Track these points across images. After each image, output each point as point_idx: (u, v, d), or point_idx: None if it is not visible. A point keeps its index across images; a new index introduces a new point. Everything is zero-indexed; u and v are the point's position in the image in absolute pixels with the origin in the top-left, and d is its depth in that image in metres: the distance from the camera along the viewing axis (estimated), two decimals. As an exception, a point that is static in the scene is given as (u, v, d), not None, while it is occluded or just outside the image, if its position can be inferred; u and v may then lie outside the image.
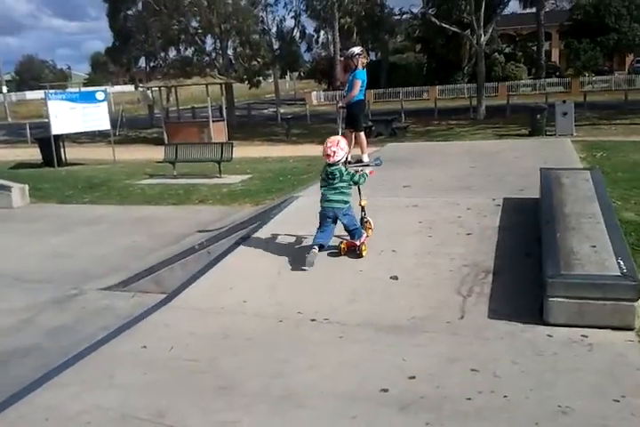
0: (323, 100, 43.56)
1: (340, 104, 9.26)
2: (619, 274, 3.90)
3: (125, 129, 32.51)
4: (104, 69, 71.97)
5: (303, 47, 40.44)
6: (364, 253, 5.30)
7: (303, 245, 5.71)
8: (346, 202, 5.30)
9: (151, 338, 4.24)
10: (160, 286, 6.54)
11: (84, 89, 29.53)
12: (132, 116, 38.98)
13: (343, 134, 9.14)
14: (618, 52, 46.89)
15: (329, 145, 5.23)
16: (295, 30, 36.92)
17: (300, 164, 15.30)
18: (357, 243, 5.31)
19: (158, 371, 3.76)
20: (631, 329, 3.81)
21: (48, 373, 3.86)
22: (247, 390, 3.47)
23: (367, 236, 5.49)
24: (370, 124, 21.69)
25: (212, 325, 4.38)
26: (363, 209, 5.62)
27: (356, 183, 5.37)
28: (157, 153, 16.73)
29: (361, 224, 5.50)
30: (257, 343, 4.05)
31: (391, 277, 4.90)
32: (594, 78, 39.71)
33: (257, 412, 3.25)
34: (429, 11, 32.97)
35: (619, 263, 4.02)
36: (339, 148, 5.21)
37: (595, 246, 4.30)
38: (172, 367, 3.79)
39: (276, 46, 36.06)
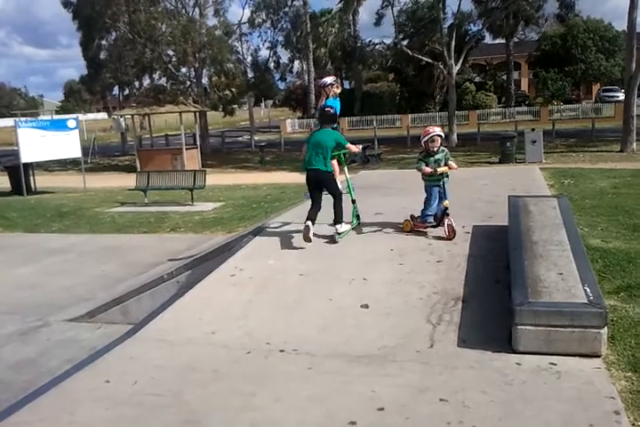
0: (297, 127, 43.84)
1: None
2: (585, 301, 3.93)
3: (97, 157, 32.28)
4: (77, 97, 71.82)
5: (278, 76, 40.96)
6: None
7: (274, 273, 5.67)
8: (423, 180, 6.33)
9: (115, 372, 4.12)
10: (127, 317, 6.40)
11: (56, 117, 29.36)
12: (105, 144, 38.79)
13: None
14: (585, 82, 48.31)
15: None
16: (270, 60, 37.42)
17: (274, 191, 15.31)
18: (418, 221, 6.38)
19: (121, 406, 3.64)
20: (598, 356, 3.83)
21: (5, 410, 3.71)
22: (212, 425, 3.38)
23: (426, 226, 6.34)
24: (344, 151, 21.85)
25: (179, 357, 4.28)
26: (444, 209, 6.17)
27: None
28: (129, 181, 16.58)
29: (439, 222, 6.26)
30: (224, 376, 3.96)
31: (362, 306, 4.86)
32: (562, 107, 40.69)
33: (222, 448, 3.16)
34: (402, 41, 33.69)
35: (585, 291, 4.05)
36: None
37: (562, 274, 4.34)
38: (136, 402, 3.68)
39: (250, 75, 36.44)
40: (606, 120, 32.56)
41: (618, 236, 6.51)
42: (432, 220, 6.24)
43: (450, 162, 6.16)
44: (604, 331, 3.86)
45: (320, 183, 6.65)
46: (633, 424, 3.14)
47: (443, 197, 6.15)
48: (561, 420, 3.19)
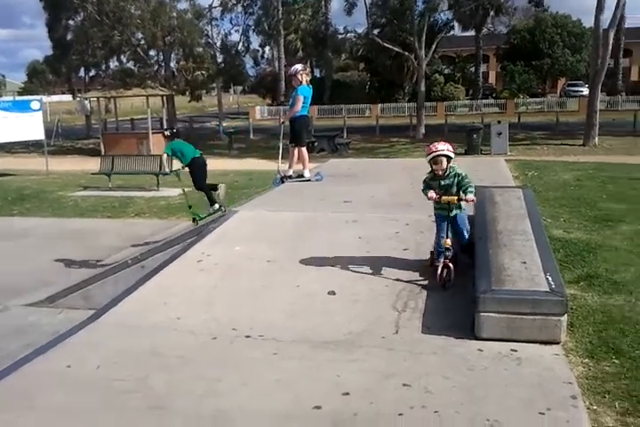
0: (266, 114, 43.57)
1: (282, 120, 9.30)
2: (547, 290, 4.02)
3: (61, 139, 31.57)
4: (42, 78, 69.85)
5: (248, 62, 40.56)
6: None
7: (241, 259, 5.64)
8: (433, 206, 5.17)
9: (77, 356, 4.06)
10: (90, 302, 6.28)
11: (19, 98, 28.59)
12: (69, 127, 37.92)
13: (284, 149, 9.20)
14: (551, 76, 49.06)
15: None
16: (240, 45, 36.99)
17: (242, 178, 15.22)
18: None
19: (83, 392, 3.60)
20: (558, 343, 3.92)
21: (-38, 395, 3.62)
22: (178, 411, 3.36)
23: (439, 271, 4.80)
24: (313, 139, 21.83)
25: (143, 342, 4.24)
26: (445, 249, 4.87)
27: None
28: (93, 164, 16.30)
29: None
30: (189, 361, 3.94)
31: (329, 293, 4.88)
32: (528, 100, 41.32)
33: (186, 433, 3.15)
34: (373, 31, 33.64)
35: (547, 279, 4.14)
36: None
37: (525, 263, 4.42)
38: (99, 387, 3.63)
39: (220, 60, 35.97)
40: (570, 114, 33.20)
41: (579, 227, 6.67)
42: (451, 255, 4.88)
43: (468, 194, 4.82)
44: (564, 318, 3.96)
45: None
46: (588, 408, 3.24)
47: (448, 233, 4.91)
48: (521, 405, 3.26)
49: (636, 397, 3.35)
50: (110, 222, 10.67)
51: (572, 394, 3.34)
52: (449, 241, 4.82)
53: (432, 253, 5.13)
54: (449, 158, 4.86)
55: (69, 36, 33.59)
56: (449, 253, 4.79)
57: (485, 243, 4.86)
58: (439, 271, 4.76)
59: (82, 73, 40.98)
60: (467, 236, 5.08)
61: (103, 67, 35.66)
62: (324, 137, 23.72)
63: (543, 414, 3.14)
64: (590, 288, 4.93)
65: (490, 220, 5.38)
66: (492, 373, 3.61)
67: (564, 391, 3.37)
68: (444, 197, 4.87)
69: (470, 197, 4.82)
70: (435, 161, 4.86)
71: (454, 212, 4.96)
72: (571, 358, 3.80)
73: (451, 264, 4.77)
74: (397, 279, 5.00)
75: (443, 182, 4.93)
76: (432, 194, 4.88)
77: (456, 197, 4.85)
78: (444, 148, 4.83)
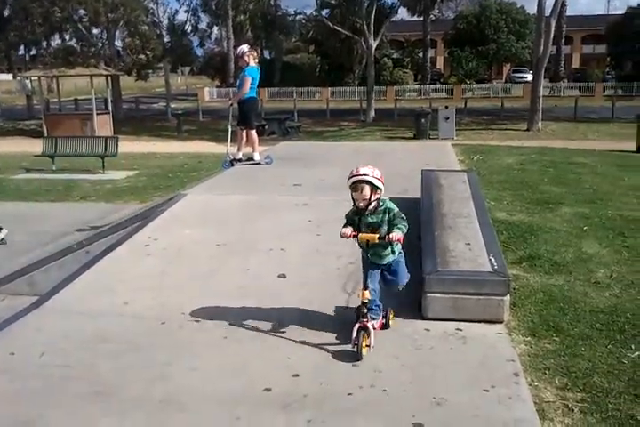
0: (215, 96, 42.97)
1: (231, 102, 9.20)
2: (490, 270, 4.14)
3: (1, 120, 30.33)
4: (-24, 55, 66.61)
5: (196, 42, 39.78)
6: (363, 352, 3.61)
7: (190, 243, 5.59)
8: None
9: (20, 343, 3.96)
10: (34, 288, 6.11)
11: (-48, 75, 27.29)
12: (9, 107, 36.48)
13: (233, 132, 9.12)
14: (496, 62, 50.04)
15: None
16: (187, 24, 36.18)
17: (191, 160, 15.03)
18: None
19: (27, 378, 3.52)
20: (501, 322, 4.06)
21: None
22: (126, 396, 3.33)
23: (354, 333, 3.63)
24: (263, 122, 21.68)
25: (89, 328, 4.16)
26: (361, 305, 3.74)
27: None
28: (35, 146, 15.75)
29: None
30: (137, 346, 3.89)
31: (279, 276, 4.89)
32: (474, 86, 42.11)
33: (135, 418, 3.13)
34: (323, 13, 33.47)
35: (490, 260, 4.27)
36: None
37: (469, 244, 4.54)
38: (44, 374, 3.56)
39: (167, 39, 35.11)
40: (515, 100, 34.03)
41: (522, 209, 6.86)
42: (374, 314, 3.84)
43: (395, 230, 3.63)
44: (507, 298, 4.09)
45: None
46: (530, 384, 3.37)
47: (369, 283, 3.77)
48: (466, 382, 3.37)
49: (574, 372, 3.50)
50: (54, 206, 10.38)
51: (514, 371, 3.47)
52: (367, 294, 3.68)
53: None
54: (374, 187, 3.64)
55: (7, 12, 32.10)
56: (365, 311, 3.66)
57: (431, 225, 4.96)
58: (353, 334, 3.60)
59: (22, 51, 39.36)
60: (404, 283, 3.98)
61: (44, 44, 34.27)
62: (274, 120, 23.58)
63: (487, 391, 3.25)
64: (532, 269, 5.09)
65: (435, 203, 5.49)
66: (439, 352, 3.71)
67: (507, 369, 3.50)
68: (361, 235, 3.70)
69: (396, 235, 3.60)
70: (354, 188, 3.66)
71: (388, 258, 3.81)
72: (513, 336, 3.94)
73: (370, 325, 3.65)
74: (348, 262, 5.05)
75: (370, 220, 3.73)
76: (345, 230, 3.73)
77: (376, 236, 3.65)
78: (367, 171, 3.63)
